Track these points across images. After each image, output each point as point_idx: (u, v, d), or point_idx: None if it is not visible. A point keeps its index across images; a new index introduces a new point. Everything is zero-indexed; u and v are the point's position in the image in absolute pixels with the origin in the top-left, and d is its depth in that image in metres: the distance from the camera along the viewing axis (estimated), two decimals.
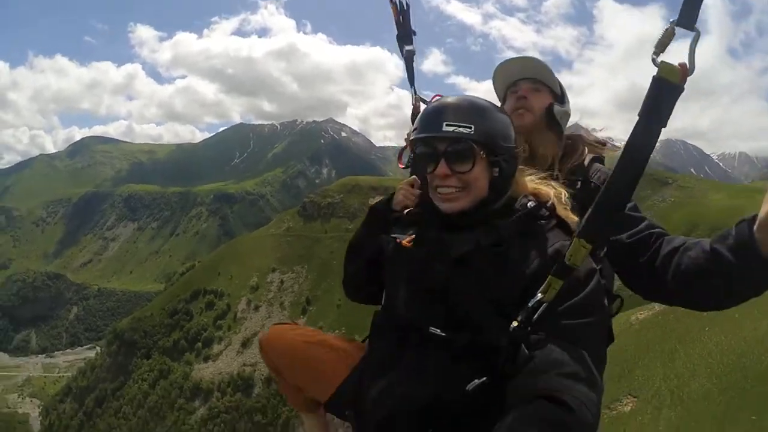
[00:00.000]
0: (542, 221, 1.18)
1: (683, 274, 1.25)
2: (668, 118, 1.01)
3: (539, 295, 1.06)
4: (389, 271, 1.38)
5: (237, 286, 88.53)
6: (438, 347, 1.17)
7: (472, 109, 1.23)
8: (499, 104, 1.53)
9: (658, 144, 1.06)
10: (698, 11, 0.96)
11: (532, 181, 1.31)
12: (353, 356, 1.53)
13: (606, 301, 1.18)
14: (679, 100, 1.00)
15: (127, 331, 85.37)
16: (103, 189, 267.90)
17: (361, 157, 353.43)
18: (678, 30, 0.98)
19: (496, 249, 1.16)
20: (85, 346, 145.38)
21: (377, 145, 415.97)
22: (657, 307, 9.49)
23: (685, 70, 0.98)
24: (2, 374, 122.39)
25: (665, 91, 0.99)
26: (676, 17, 0.98)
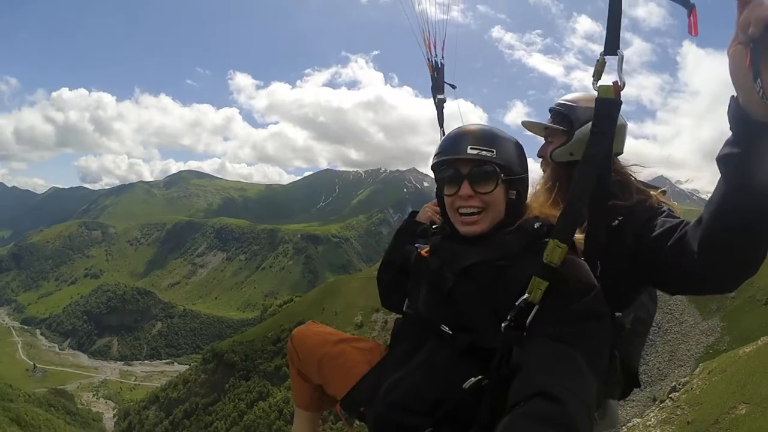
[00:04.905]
0: (547, 239, 1.21)
1: (708, 223, 1.14)
2: (614, 129, 1.18)
3: (525, 294, 1.13)
4: (413, 277, 1.54)
5: (341, 322, 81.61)
6: (446, 345, 1.26)
7: (492, 136, 1.34)
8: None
9: None
10: (618, 40, 1.15)
11: (543, 205, 1.40)
12: (376, 357, 1.60)
13: (608, 316, 1.18)
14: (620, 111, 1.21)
15: (227, 353, 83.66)
16: (196, 219, 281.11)
17: None
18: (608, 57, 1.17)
19: (499, 263, 1.23)
20: (163, 360, 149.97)
21: None
22: (760, 341, 12.85)
23: (617, 87, 1.16)
24: (80, 373, 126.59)
25: (606, 106, 1.18)
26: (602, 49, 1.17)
